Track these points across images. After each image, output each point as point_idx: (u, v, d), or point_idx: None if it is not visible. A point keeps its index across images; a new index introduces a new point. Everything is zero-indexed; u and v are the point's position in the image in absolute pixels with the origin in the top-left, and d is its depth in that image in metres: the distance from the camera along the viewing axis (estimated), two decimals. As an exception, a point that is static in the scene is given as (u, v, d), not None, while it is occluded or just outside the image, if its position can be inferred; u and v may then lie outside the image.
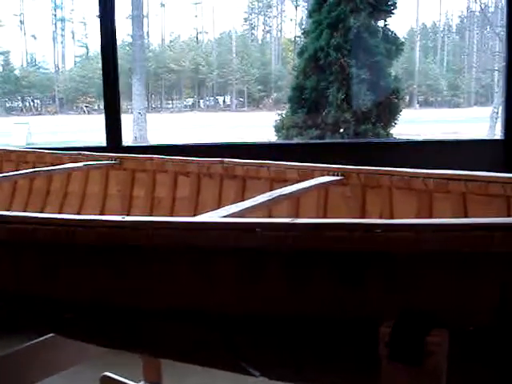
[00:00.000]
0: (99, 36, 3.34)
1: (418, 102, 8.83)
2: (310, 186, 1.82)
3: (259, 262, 1.08)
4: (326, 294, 1.04)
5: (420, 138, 4.26)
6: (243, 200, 1.74)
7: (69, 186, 2.61)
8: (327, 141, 4.67)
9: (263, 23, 10.55)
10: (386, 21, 4.87)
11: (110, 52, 3.37)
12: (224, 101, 11.05)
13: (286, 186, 1.88)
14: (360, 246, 1.00)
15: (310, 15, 5.00)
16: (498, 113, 7.19)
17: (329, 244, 1.02)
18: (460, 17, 10.04)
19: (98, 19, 3.34)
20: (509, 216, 1.58)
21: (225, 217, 1.38)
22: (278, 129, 5.16)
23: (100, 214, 2.41)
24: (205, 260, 1.12)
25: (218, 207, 1.86)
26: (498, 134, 6.41)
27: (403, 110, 5.84)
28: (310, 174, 1.98)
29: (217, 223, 1.15)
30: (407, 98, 7.43)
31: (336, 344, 1.08)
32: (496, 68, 9.06)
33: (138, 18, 8.84)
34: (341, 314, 1.04)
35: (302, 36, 5.29)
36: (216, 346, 1.20)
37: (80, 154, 2.60)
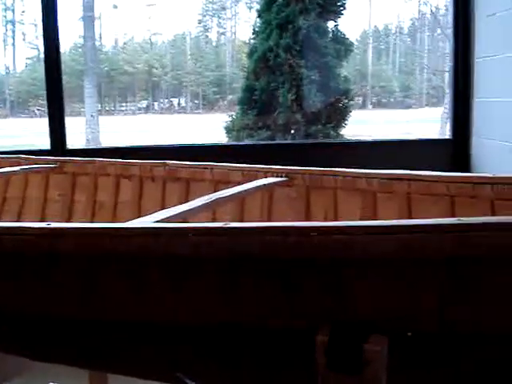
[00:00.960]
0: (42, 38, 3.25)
1: (371, 104, 8.90)
2: (254, 188, 1.78)
3: (191, 268, 1.03)
4: (260, 301, 1.00)
5: (370, 139, 4.26)
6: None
7: (8, 191, 2.51)
8: (277, 142, 4.64)
9: (217, 25, 10.46)
10: (335, 21, 4.88)
11: (53, 54, 3.28)
12: (179, 103, 10.94)
13: (229, 187, 1.83)
14: (295, 251, 0.96)
15: (259, 15, 4.97)
16: (448, 113, 7.29)
17: (262, 249, 0.98)
18: (411, 19, 10.13)
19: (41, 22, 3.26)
20: (453, 216, 1.56)
21: (161, 221, 1.32)
22: (229, 130, 5.12)
23: (41, 220, 2.33)
24: (134, 267, 1.06)
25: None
26: (448, 133, 6.52)
27: (357, 112, 5.86)
28: (254, 176, 1.94)
29: (146, 228, 1.09)
30: (360, 99, 7.48)
31: (273, 353, 1.04)
32: (446, 69, 9.20)
33: (89, 20, 8.69)
34: (277, 322, 1.00)
35: (253, 37, 5.25)
36: (149, 357, 1.15)
37: (19, 157, 2.51)
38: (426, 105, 9.94)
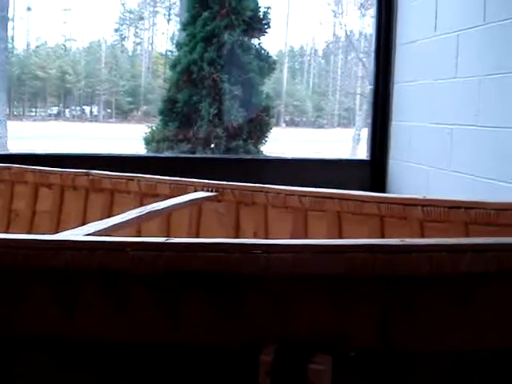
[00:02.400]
0: None
1: (284, 122, 9.04)
2: (183, 202, 1.74)
3: (127, 285, 0.99)
4: (201, 319, 0.97)
5: (290, 156, 4.31)
6: (111, 215, 1.62)
7: None
8: (199, 155, 4.61)
9: (134, 35, 10.33)
10: (259, 39, 4.91)
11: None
12: (91, 111, 10.69)
13: (156, 201, 1.78)
14: (238, 269, 0.94)
15: (184, 28, 4.92)
16: (359, 135, 7.52)
17: (205, 266, 0.95)
18: (326, 42, 10.41)
19: None
20: (382, 236, 1.58)
21: (90, 234, 1.27)
22: (148, 141, 5.02)
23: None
24: (66, 283, 1.00)
25: (83, 223, 1.74)
26: (359, 155, 6.72)
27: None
28: (183, 189, 1.90)
29: (80, 242, 1.04)
30: (275, 117, 7.58)
31: (216, 374, 1.01)
32: (358, 92, 9.48)
33: (2, 20, 8.35)
34: (218, 341, 0.97)
35: (175, 49, 5.20)
36: (80, 377, 1.09)
37: None
38: (338, 125, 10.21)
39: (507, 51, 2.59)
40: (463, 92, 2.91)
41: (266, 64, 4.85)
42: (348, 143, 8.07)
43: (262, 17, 4.79)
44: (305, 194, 1.75)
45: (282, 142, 7.42)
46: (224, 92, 4.54)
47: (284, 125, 9.15)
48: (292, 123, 9.96)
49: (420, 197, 1.59)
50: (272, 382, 0.93)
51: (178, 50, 5.01)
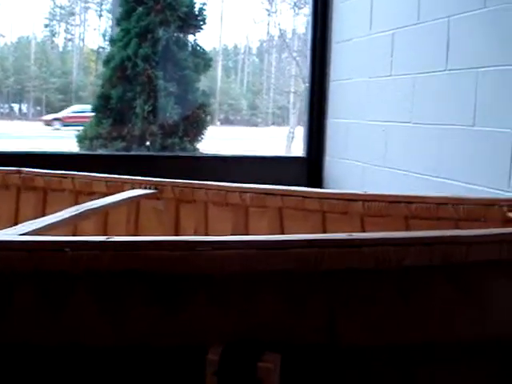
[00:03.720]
0: None
1: (219, 120, 9.01)
2: (121, 200, 1.69)
3: (67, 285, 0.95)
4: (144, 320, 0.94)
5: (228, 154, 4.28)
6: (44, 215, 1.56)
7: None
8: (134, 153, 4.52)
9: (65, 31, 10.06)
10: (195, 35, 4.87)
11: None
12: (20, 109, 10.34)
13: (92, 199, 1.73)
14: (182, 267, 0.92)
15: (118, 23, 4.82)
16: (293, 133, 7.57)
17: (148, 264, 0.92)
18: (260, 40, 10.43)
19: None
20: (324, 231, 1.59)
21: (24, 234, 1.21)
22: (81, 139, 4.90)
23: None
24: (0, 285, 0.96)
25: (16, 223, 1.66)
26: (293, 152, 6.77)
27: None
28: (120, 187, 1.85)
29: (15, 242, 0.99)
30: (209, 116, 7.56)
31: (160, 375, 0.98)
32: (292, 90, 9.53)
33: None
34: (163, 341, 0.94)
35: (109, 44, 5.09)
36: (20, 381, 1.03)
37: None
38: (272, 124, 10.25)
39: (440, 50, 2.64)
40: (398, 90, 2.96)
41: (202, 61, 4.81)
42: (282, 141, 8.11)
43: (197, 13, 4.76)
44: (246, 191, 1.73)
45: (217, 140, 7.39)
46: (159, 89, 4.48)
47: (219, 123, 9.12)
48: (227, 121, 9.93)
49: (361, 192, 1.60)
50: (219, 381, 0.91)
51: (112, 46, 4.91)
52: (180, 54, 4.66)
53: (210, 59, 5.08)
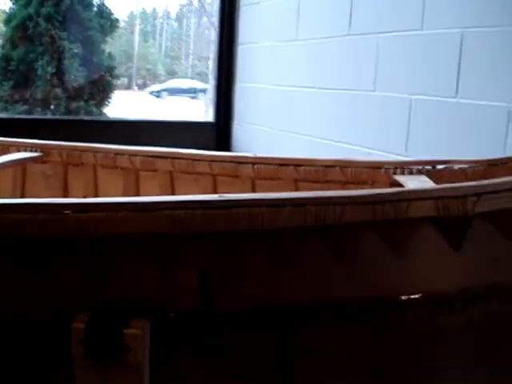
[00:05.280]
0: None
1: (136, 85, 8.82)
2: (3, 163, 1.61)
3: None
4: (8, 288, 0.89)
5: (135, 118, 4.18)
6: None
7: None
8: (36, 117, 4.34)
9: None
10: (101, -4, 4.70)
11: None
12: None
13: (-25, 162, 1.63)
14: (45, 231, 0.87)
15: (19, -20, 4.59)
16: (211, 98, 7.52)
17: (8, 229, 0.87)
18: (179, 5, 10.26)
19: None
20: (215, 194, 1.56)
21: None
22: (-20, 102, 4.67)
23: None
24: None
25: None
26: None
27: (122, 92, 5.72)
28: (5, 150, 1.76)
29: None
30: (126, 80, 7.38)
31: (26, 346, 0.93)
32: (211, 56, 9.47)
33: None
34: (28, 311, 0.89)
35: (10, 2, 4.84)
36: None
37: None
38: (192, 90, 10.13)
39: (343, 15, 2.65)
40: (303, 55, 2.96)
41: (108, 22, 4.65)
42: (202, 107, 8.06)
43: (104, -28, 4.60)
44: (135, 154, 1.68)
45: (134, 106, 7.25)
46: (63, 50, 4.29)
47: (136, 88, 8.92)
48: (144, 87, 9.74)
49: (251, 155, 1.59)
50: (86, 351, 0.87)
51: (13, 4, 4.67)
52: (85, 14, 4.47)
53: (117, 20, 4.92)
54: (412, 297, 0.93)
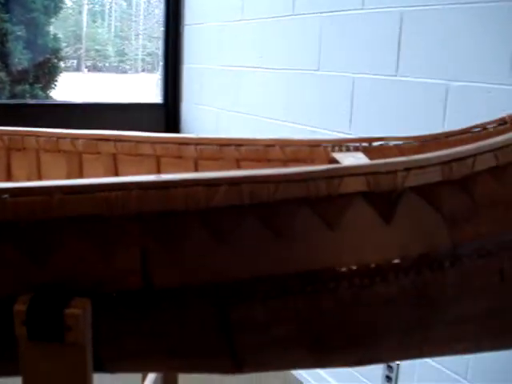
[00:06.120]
0: None
1: (86, 67, 8.64)
2: None
3: None
4: None
5: (82, 101, 4.11)
6: None
7: None
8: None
9: None
10: (44, -25, 4.58)
11: None
12: None
13: None
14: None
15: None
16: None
17: None
18: (130, -17, 10.04)
19: None
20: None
21: None
22: None
23: None
24: None
25: None
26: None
27: (71, 74, 5.61)
28: None
29: None
30: (75, 62, 7.22)
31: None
32: (161, 36, 9.31)
33: None
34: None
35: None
36: None
37: None
38: (142, 71, 9.99)
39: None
40: (248, 34, 2.96)
41: (53, 3, 4.55)
42: (153, 88, 7.95)
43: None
44: (78, 137, 1.68)
45: (84, 88, 7.10)
46: (5, 33, 4.19)
47: (86, 70, 8.74)
48: (94, 68, 9.54)
49: (193, 136, 1.60)
50: (29, 332, 0.88)
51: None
52: (27, -5, 4.37)
53: (61, 1, 4.81)
54: (346, 269, 0.95)
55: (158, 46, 9.47)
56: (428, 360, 2.13)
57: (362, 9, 2.29)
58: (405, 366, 2.24)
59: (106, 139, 1.65)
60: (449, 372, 2.06)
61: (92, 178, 1.63)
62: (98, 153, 1.66)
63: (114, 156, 1.64)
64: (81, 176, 1.67)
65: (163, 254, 0.92)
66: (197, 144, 1.55)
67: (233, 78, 3.09)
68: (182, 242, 0.93)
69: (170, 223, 0.91)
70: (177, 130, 3.56)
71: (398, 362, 2.28)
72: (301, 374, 2.76)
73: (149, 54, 10.09)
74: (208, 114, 3.31)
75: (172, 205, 0.90)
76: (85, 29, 9.03)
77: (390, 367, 2.31)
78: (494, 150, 1.01)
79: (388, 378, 2.32)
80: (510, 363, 1.87)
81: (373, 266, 0.96)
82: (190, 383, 1.97)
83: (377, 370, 2.35)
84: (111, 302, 0.93)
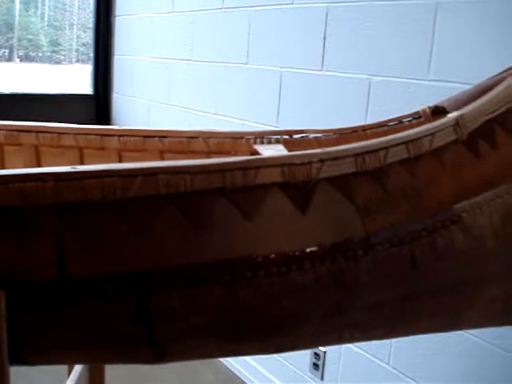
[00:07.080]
0: None
1: (18, 57, 8.39)
2: None
3: None
4: None
5: (10, 91, 4.00)
6: None
7: None
8: None
9: None
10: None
11: None
12: None
13: None
14: None
15: None
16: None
17: None
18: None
19: None
20: (82, 167, 1.55)
21: None
22: None
23: None
24: None
25: None
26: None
27: (2, 64, 5.44)
28: None
29: None
30: (7, 51, 6.99)
31: None
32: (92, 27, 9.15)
33: None
34: None
35: None
36: None
37: None
38: (77, 61, 9.79)
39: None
40: (179, 27, 2.96)
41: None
42: (87, 79, 7.78)
43: None
44: (-1, 128, 1.64)
45: (16, 79, 6.89)
46: None
47: (18, 60, 8.49)
48: (27, 59, 9.28)
49: (116, 127, 1.59)
50: None
51: None
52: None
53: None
54: (263, 257, 0.97)
55: (92, 37, 9.33)
56: (352, 347, 2.19)
57: (291, 3, 2.32)
58: (330, 353, 2.30)
59: (28, 130, 1.62)
60: (372, 358, 2.12)
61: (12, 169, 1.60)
62: (20, 144, 1.63)
63: (36, 147, 1.62)
64: (2, 168, 1.63)
65: (79, 244, 0.92)
66: (120, 135, 1.54)
67: (164, 70, 3.07)
68: (98, 233, 0.93)
69: (85, 214, 0.92)
70: (108, 121, 3.52)
71: (324, 350, 2.33)
72: (228, 360, 2.78)
73: (83, 45, 9.91)
74: (140, 106, 3.28)
75: (88, 195, 0.90)
76: (17, 17, 8.78)
77: (316, 355, 2.36)
78: (406, 142, 1.05)
79: (315, 365, 2.37)
80: (431, 348, 1.95)
81: (289, 254, 0.98)
82: (116, 375, 1.96)
83: (305, 357, 2.40)
84: (27, 293, 0.93)
